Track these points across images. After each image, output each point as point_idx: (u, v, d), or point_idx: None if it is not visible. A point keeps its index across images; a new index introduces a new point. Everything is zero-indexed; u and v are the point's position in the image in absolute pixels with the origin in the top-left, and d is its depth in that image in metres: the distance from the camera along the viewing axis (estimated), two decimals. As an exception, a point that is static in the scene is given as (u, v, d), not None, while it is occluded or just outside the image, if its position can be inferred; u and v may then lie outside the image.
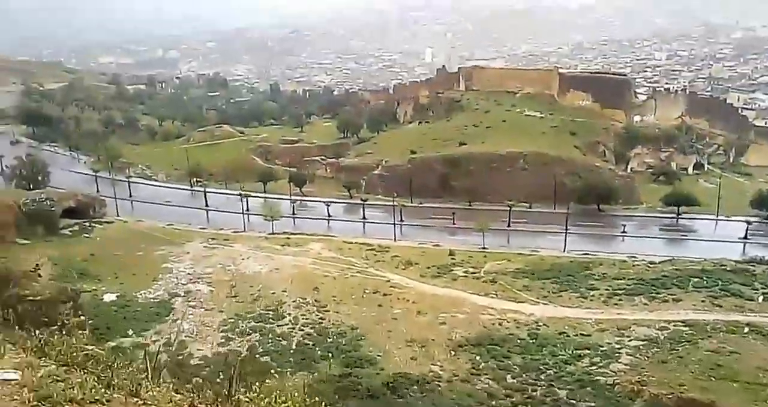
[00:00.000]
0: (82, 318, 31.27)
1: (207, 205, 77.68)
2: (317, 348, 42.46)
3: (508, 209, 69.49)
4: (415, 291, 50.26)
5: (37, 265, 48.67)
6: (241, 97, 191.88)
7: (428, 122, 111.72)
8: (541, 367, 38.18)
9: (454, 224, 70.36)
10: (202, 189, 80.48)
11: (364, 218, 73.52)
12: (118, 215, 70.86)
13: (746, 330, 40.44)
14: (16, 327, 8.85)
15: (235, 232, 67.02)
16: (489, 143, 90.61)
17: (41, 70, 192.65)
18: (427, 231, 68.71)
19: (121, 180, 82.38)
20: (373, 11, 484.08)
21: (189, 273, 54.58)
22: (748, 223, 63.91)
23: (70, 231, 63.76)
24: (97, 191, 76.78)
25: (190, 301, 49.44)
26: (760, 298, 45.73)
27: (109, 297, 48.79)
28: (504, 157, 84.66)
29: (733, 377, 34.60)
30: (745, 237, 62.98)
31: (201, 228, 68.65)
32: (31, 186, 70.93)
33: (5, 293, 29.12)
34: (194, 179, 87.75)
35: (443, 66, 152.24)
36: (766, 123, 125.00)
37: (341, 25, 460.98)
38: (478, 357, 39.84)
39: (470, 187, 79.37)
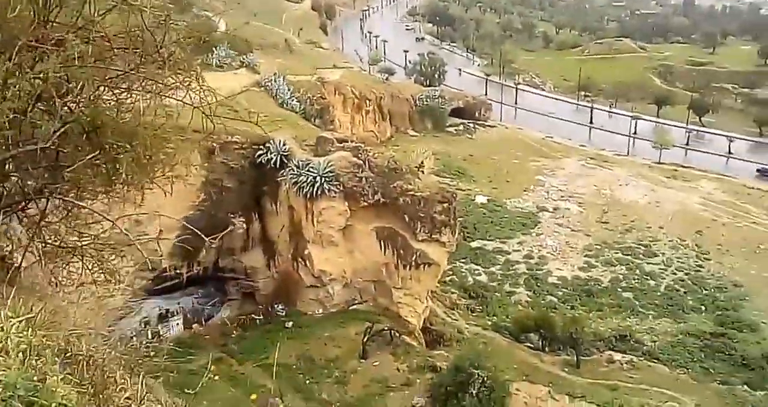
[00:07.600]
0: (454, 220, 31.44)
1: (591, 122, 73.96)
2: (689, 298, 39.19)
3: None
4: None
5: (422, 162, 51.66)
6: (648, 10, 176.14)
7: None
8: None
9: None
10: (590, 105, 76.59)
11: (774, 160, 62.52)
12: (500, 121, 71.87)
13: None
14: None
15: (616, 155, 63.22)
16: None
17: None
18: None
19: (509, 86, 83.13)
20: None
21: (561, 190, 53.11)
22: None
23: (455, 130, 66.73)
24: (485, 94, 78.52)
25: (557, 218, 48.15)
26: None
27: (480, 199, 50.07)
28: None
29: None
30: None
31: (581, 145, 66.10)
32: (428, 83, 75.34)
33: (391, 184, 30.65)
34: (582, 93, 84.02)
35: None
36: None
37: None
38: None
39: None
